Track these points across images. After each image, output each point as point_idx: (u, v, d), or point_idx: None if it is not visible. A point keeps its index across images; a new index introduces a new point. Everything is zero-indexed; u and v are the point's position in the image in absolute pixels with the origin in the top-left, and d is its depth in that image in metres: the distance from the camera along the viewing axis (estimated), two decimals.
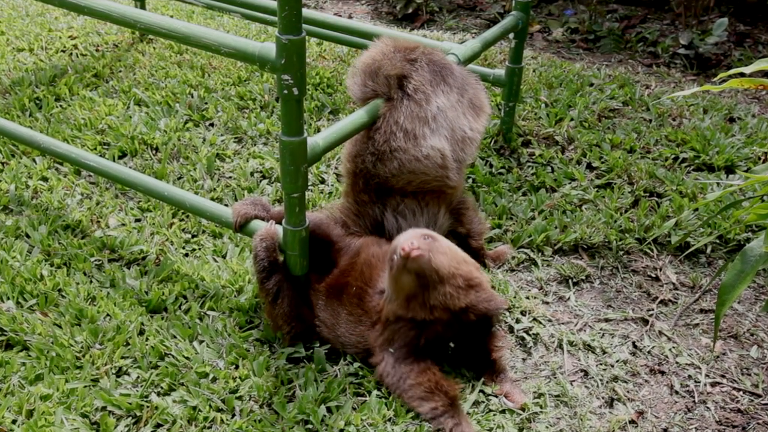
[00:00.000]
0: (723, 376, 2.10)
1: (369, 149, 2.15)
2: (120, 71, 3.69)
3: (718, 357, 2.16)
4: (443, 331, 1.96)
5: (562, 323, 2.26)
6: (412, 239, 1.87)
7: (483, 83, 2.38)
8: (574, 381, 2.06)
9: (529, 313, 2.27)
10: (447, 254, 1.91)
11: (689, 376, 2.09)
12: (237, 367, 2.02)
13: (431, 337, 1.95)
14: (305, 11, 2.79)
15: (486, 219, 2.57)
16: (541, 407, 1.95)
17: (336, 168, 2.94)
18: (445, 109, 2.14)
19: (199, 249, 2.50)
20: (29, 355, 2.05)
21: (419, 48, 2.23)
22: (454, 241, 2.27)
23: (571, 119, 3.27)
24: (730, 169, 2.96)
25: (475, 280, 1.95)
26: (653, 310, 2.32)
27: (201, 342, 2.10)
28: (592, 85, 3.64)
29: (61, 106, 3.35)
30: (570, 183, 2.87)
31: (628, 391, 2.03)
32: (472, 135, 2.22)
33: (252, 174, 2.90)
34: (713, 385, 2.07)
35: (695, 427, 1.94)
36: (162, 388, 1.96)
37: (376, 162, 2.15)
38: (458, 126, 2.17)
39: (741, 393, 2.05)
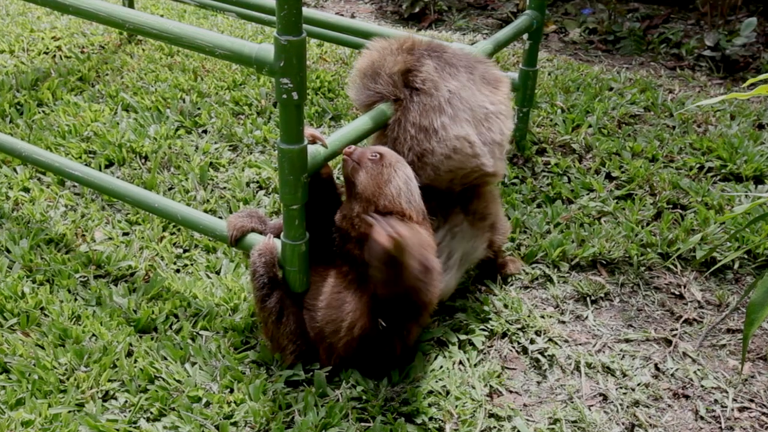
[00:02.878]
0: (751, 401, 2.10)
1: None
2: (107, 74, 3.73)
3: (746, 380, 2.17)
4: (351, 246, 2.01)
5: (580, 344, 2.27)
6: (360, 148, 2.03)
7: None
8: (592, 406, 2.07)
9: (544, 333, 2.28)
10: (373, 179, 1.98)
11: (715, 401, 2.10)
12: (232, 391, 2.03)
13: (344, 248, 2.02)
14: (305, 10, 2.82)
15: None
16: None
17: (338, 178, 2.96)
18: (457, 91, 2.14)
19: (192, 264, 2.52)
20: (9, 378, 2.06)
21: (412, 39, 2.26)
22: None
23: (589, 126, 3.29)
24: (759, 180, 2.98)
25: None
26: (677, 329, 2.33)
27: (193, 364, 2.11)
28: (611, 89, 3.66)
29: (43, 111, 3.39)
30: (588, 194, 2.89)
31: (650, 417, 2.04)
32: (495, 108, 2.20)
33: (248, 184, 2.92)
34: (741, 410, 2.08)
35: None
36: (152, 413, 1.97)
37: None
38: (477, 104, 2.16)
39: None
